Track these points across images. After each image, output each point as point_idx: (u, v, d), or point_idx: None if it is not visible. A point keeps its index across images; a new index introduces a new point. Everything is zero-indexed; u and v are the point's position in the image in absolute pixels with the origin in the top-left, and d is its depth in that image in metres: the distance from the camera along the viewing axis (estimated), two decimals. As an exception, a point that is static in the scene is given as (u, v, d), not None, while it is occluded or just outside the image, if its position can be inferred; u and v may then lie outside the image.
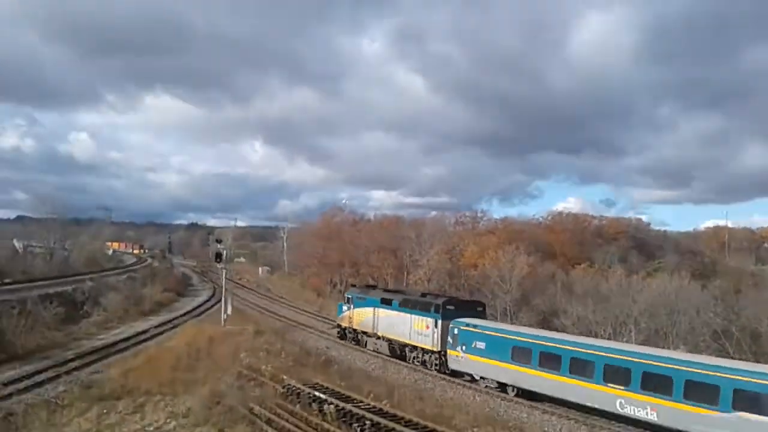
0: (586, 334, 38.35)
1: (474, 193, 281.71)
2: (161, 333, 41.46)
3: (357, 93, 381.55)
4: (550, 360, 25.36)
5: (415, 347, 34.48)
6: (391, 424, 19.35)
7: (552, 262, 69.37)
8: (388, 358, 35.55)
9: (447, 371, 31.82)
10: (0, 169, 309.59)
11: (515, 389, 27.13)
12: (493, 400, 26.69)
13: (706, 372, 20.36)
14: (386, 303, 37.48)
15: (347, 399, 23.02)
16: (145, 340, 38.33)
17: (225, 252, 56.84)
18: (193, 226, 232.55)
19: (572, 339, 28.37)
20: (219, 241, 67.81)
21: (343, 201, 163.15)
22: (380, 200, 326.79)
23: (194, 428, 20.71)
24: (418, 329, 33.92)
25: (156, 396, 24.57)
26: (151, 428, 20.93)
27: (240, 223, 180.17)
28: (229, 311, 45.06)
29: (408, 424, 19.62)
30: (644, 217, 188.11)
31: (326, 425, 20.06)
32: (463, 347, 30.38)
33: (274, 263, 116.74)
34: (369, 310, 39.05)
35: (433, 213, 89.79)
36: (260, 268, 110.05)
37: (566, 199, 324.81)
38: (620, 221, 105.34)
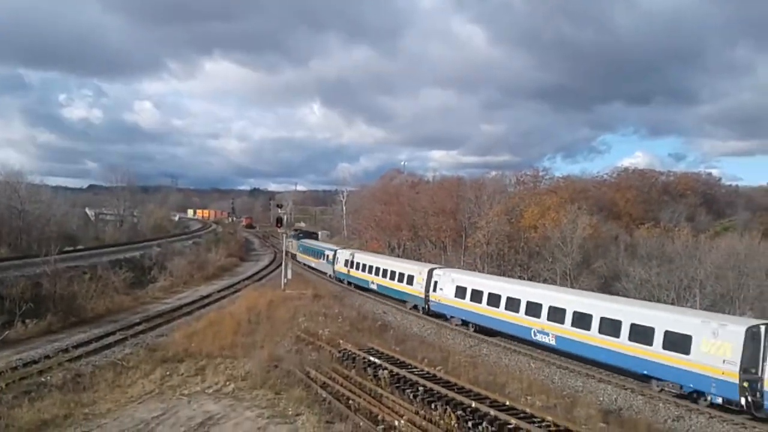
0: (649, 299, 37.04)
1: (536, 150, 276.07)
2: (223, 297, 42.76)
3: (414, 48, 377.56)
4: (314, 253, 62.48)
5: (294, 254, 66.97)
6: (444, 391, 19.27)
7: (616, 222, 67.40)
8: (440, 323, 35.42)
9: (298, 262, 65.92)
10: (71, 139, 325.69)
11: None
12: (548, 367, 26.25)
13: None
14: (294, 237, 73.09)
15: (402, 364, 23.10)
16: (208, 305, 39.60)
17: (285, 217, 57.84)
18: (254, 192, 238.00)
19: (319, 243, 70.06)
20: (280, 206, 69.07)
21: (402, 163, 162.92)
22: (439, 160, 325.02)
23: (252, 391, 21.18)
24: (293, 246, 63.48)
25: (217, 359, 25.36)
26: (211, 390, 21.51)
27: (300, 188, 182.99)
28: (289, 276, 45.91)
29: (461, 391, 19.50)
30: (715, 172, 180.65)
31: (380, 390, 20.18)
32: (299, 251, 67.71)
33: (333, 227, 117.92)
34: (290, 241, 67.71)
35: (494, 173, 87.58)
36: (320, 233, 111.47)
37: (633, 154, 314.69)
38: (689, 176, 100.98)
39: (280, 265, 52.76)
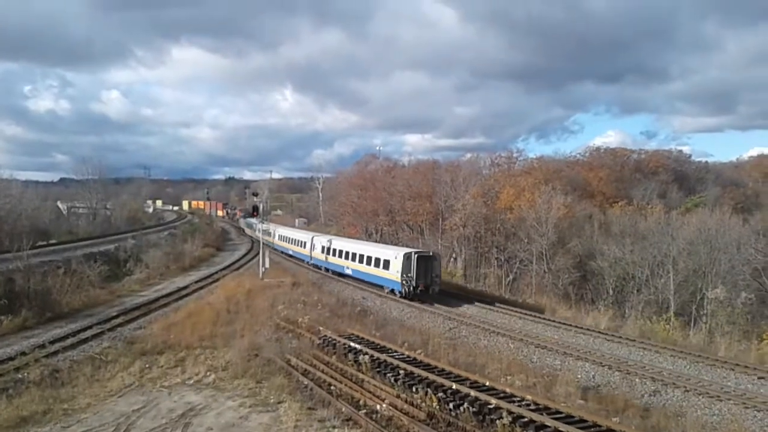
0: (623, 276, 37.67)
1: (510, 131, 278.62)
2: (201, 288, 42.39)
3: (385, 30, 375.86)
4: (248, 225, 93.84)
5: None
6: (425, 374, 19.44)
7: (589, 201, 67.93)
8: (420, 307, 35.51)
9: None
10: (39, 131, 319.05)
11: None
12: (526, 347, 26.55)
13: None
14: (243, 217, 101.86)
15: (382, 349, 23.26)
16: (185, 296, 39.26)
17: (261, 205, 57.45)
18: (229, 180, 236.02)
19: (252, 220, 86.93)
20: (255, 195, 68.54)
21: (377, 148, 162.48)
22: (414, 144, 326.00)
23: (233, 381, 21.13)
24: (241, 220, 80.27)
25: (196, 350, 25.28)
26: (192, 381, 21.42)
27: (275, 175, 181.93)
28: (267, 264, 45.73)
29: (441, 373, 19.69)
30: (686, 149, 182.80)
31: (361, 375, 20.32)
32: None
33: (310, 214, 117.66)
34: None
35: (468, 155, 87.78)
36: (297, 220, 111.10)
37: (606, 133, 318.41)
38: (660, 154, 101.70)
39: (257, 254, 52.54)
